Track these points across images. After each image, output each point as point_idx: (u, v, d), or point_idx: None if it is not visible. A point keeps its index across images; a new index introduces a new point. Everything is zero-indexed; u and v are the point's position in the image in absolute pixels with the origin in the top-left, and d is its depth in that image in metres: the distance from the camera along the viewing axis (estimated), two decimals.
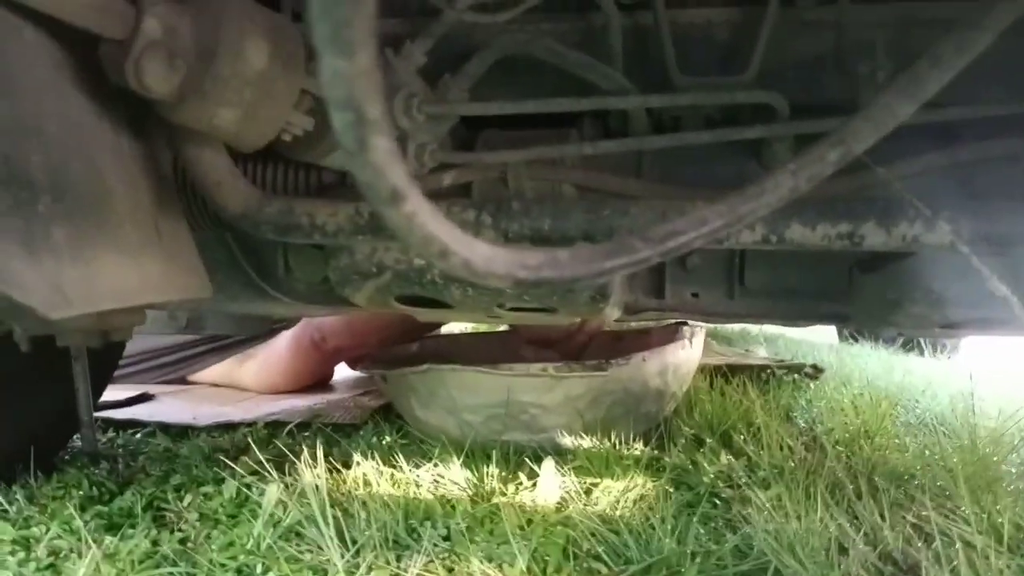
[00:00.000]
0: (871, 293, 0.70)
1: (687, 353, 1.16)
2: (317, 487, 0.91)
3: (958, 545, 0.67)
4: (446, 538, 0.79)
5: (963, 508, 0.76)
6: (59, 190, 0.51)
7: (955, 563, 0.67)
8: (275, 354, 1.70)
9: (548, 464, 0.94)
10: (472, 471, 0.99)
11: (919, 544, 0.75)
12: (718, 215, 0.36)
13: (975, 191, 0.63)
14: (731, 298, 0.80)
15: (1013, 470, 0.97)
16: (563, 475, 0.99)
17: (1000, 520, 0.77)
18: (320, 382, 1.79)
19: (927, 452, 1.09)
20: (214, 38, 0.51)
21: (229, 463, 0.96)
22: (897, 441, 1.17)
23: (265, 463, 0.89)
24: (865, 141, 0.37)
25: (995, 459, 0.98)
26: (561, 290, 0.69)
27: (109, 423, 1.39)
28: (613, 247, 0.35)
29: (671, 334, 1.24)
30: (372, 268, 0.70)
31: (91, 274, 0.53)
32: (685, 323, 1.26)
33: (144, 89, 0.52)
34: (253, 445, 0.91)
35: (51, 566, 0.74)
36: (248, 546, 0.76)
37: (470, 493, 0.93)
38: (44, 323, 0.82)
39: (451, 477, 0.97)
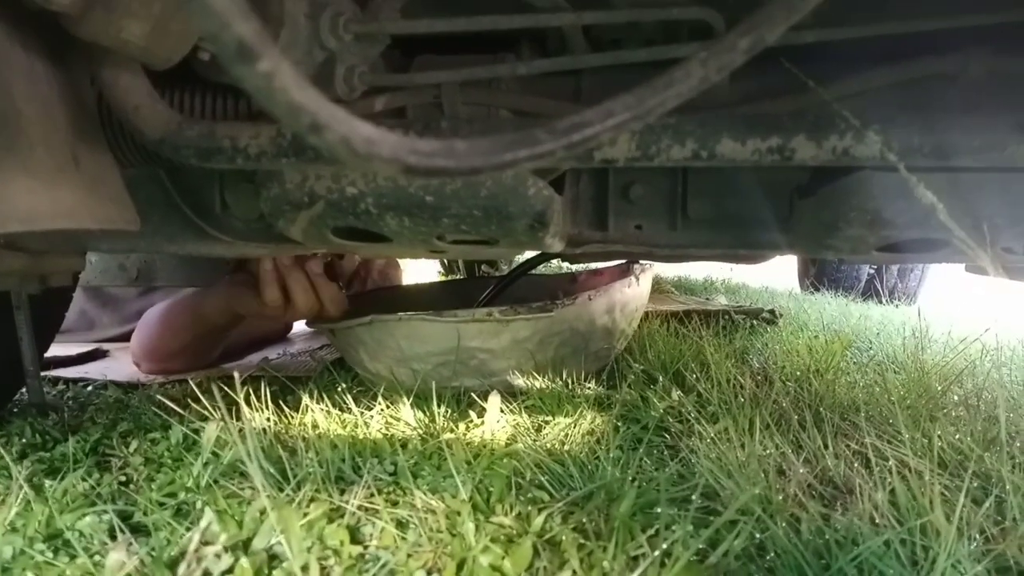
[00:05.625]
0: (809, 218, 0.69)
1: (635, 290, 1.16)
2: (265, 430, 0.90)
3: (891, 464, 0.68)
4: (392, 474, 0.78)
5: (903, 434, 0.77)
6: None
7: (890, 482, 0.68)
8: None
9: (494, 397, 0.94)
10: (423, 412, 0.99)
11: (859, 468, 0.76)
12: (625, 107, 0.35)
13: (913, 109, 0.62)
14: (674, 229, 0.79)
15: (955, 397, 0.99)
16: (515, 414, 0.99)
17: (938, 444, 0.78)
18: (277, 336, 1.77)
19: (876, 387, 1.11)
20: None
21: (178, 410, 0.94)
22: (847, 378, 1.18)
23: (214, 410, 0.88)
24: (777, 28, 0.36)
25: (939, 389, 1.00)
26: (474, 198, 0.66)
27: (59, 378, 1.37)
28: (515, 138, 0.34)
29: (620, 273, 1.23)
30: (304, 198, 0.68)
31: None
32: (636, 262, 1.25)
33: (47, 2, 0.49)
34: (203, 395, 0.89)
35: None
36: (188, 484, 0.75)
37: (420, 432, 0.92)
38: None
39: (401, 417, 0.97)
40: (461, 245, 0.77)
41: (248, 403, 0.92)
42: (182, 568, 0.50)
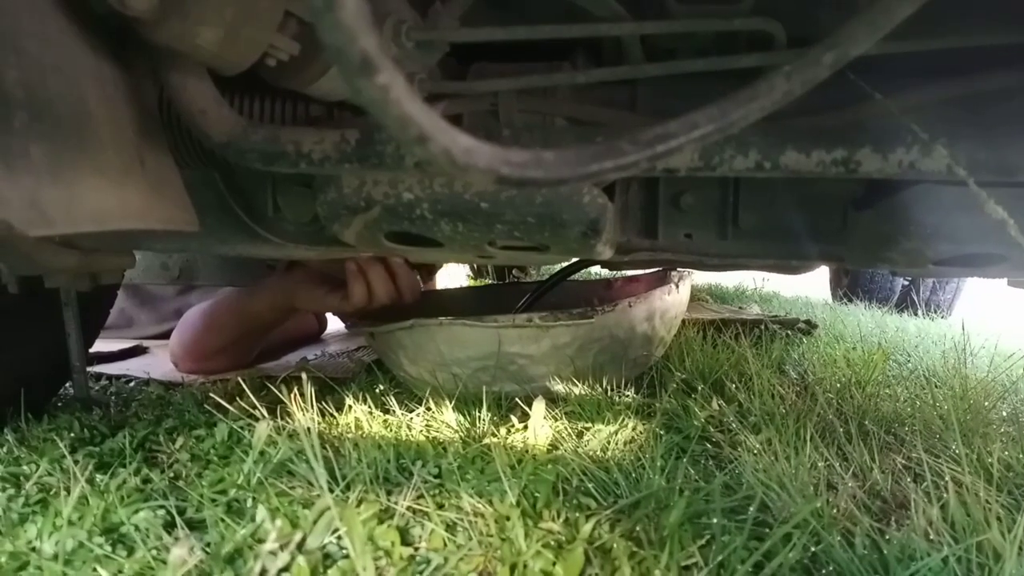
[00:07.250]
0: (865, 230, 0.69)
1: (674, 298, 1.15)
2: (309, 429, 0.91)
3: (947, 480, 0.67)
4: (437, 476, 0.79)
5: (954, 447, 0.76)
6: (36, 108, 0.50)
7: (944, 499, 0.67)
8: None
9: (539, 404, 0.94)
10: (464, 415, 1.00)
11: (908, 482, 0.76)
12: (709, 119, 0.35)
13: (977, 123, 0.62)
14: (724, 239, 0.79)
15: (1004, 413, 0.98)
16: (556, 420, 0.99)
17: (989, 460, 0.77)
18: (312, 337, 1.79)
19: (918, 401, 1.09)
20: None
21: (226, 405, 0.95)
22: (888, 391, 1.17)
23: (261, 408, 0.89)
24: (861, 44, 0.36)
25: (986, 405, 0.98)
26: (546, 212, 0.67)
27: (102, 373, 1.39)
28: (600, 149, 0.34)
29: (659, 280, 1.23)
30: (360, 202, 0.69)
31: (71, 195, 0.52)
32: (673, 269, 1.25)
33: (123, 7, 0.51)
34: (251, 392, 0.90)
35: (40, 501, 0.74)
36: (239, 482, 0.76)
37: (462, 435, 0.93)
38: (27, 259, 0.82)
39: (443, 420, 0.97)
40: (510, 251, 0.78)
41: (292, 401, 0.93)
42: (256, 567, 0.51)
